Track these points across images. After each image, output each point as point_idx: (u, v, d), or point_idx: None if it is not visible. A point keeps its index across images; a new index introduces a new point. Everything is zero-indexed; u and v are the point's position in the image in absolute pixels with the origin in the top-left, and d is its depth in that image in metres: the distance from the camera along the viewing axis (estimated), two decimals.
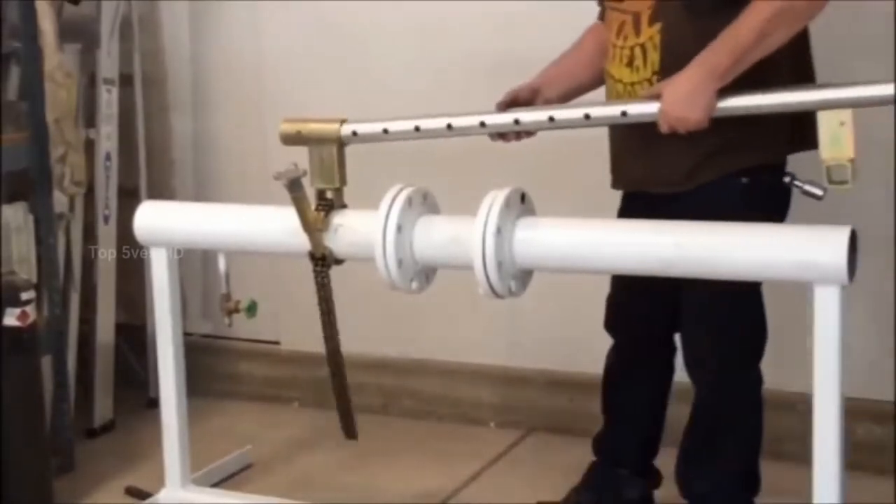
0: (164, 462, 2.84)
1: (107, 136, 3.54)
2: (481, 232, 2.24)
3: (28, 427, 2.80)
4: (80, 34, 3.50)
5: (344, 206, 2.50)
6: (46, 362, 3.06)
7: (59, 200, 3.26)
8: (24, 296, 2.75)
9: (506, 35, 3.26)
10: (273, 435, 3.46)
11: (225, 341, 3.86)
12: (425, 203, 2.43)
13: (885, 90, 2.12)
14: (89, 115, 3.54)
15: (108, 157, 3.55)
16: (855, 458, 2.37)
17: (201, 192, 3.84)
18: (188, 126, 3.88)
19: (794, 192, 2.32)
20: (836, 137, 2.09)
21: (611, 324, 2.72)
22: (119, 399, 3.60)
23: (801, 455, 2.25)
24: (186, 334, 2.94)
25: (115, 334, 3.61)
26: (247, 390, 3.84)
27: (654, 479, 2.79)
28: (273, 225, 2.58)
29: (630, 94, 2.38)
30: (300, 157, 2.49)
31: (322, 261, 2.48)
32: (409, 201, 2.37)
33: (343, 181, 2.50)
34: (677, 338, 2.65)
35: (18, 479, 2.74)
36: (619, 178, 2.54)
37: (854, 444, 2.65)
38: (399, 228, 2.33)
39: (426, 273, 2.44)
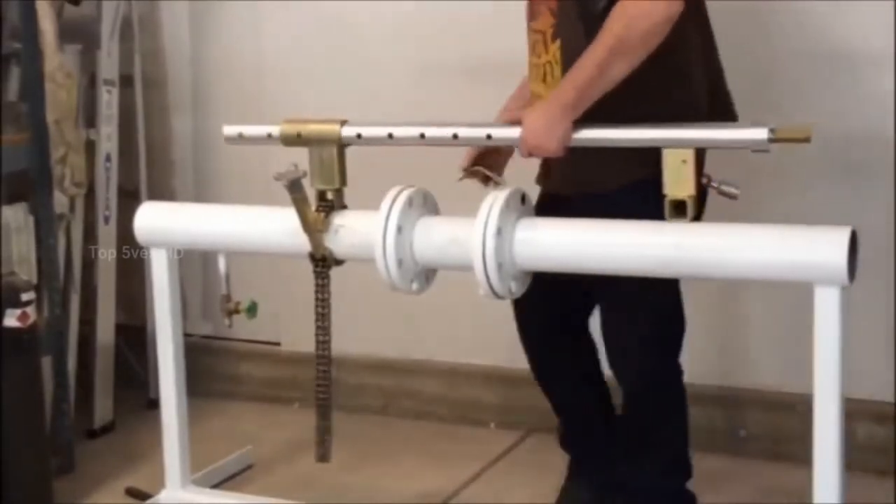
0: (164, 463, 2.84)
1: (107, 137, 3.54)
2: (481, 233, 2.24)
3: (28, 427, 2.80)
4: (80, 35, 3.49)
5: (344, 207, 2.50)
6: (46, 363, 3.06)
7: (60, 201, 3.26)
8: (25, 296, 2.75)
9: (507, 35, 3.25)
10: (273, 436, 3.46)
11: (225, 342, 3.86)
12: (426, 204, 2.43)
13: (722, 134, 2.23)
14: (90, 116, 3.54)
15: (108, 158, 3.55)
16: (855, 459, 2.37)
17: (201, 193, 3.84)
18: (188, 126, 3.89)
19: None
20: (678, 175, 2.18)
21: (521, 324, 2.74)
22: (119, 400, 3.60)
23: (802, 456, 2.25)
24: (187, 335, 2.93)
25: (115, 335, 3.61)
26: (247, 391, 3.84)
27: None
28: (273, 226, 2.58)
29: None
30: (301, 157, 2.49)
31: (322, 262, 2.48)
32: (410, 202, 2.37)
33: (343, 182, 2.50)
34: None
35: (18, 480, 2.74)
36: (559, 178, 2.51)
37: (854, 444, 2.65)
38: (399, 229, 2.33)
39: (426, 274, 2.44)
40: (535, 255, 2.30)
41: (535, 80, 2.49)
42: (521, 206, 2.33)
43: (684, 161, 2.17)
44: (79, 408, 3.37)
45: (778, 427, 3.10)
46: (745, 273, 2.21)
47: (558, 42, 2.41)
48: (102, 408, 3.54)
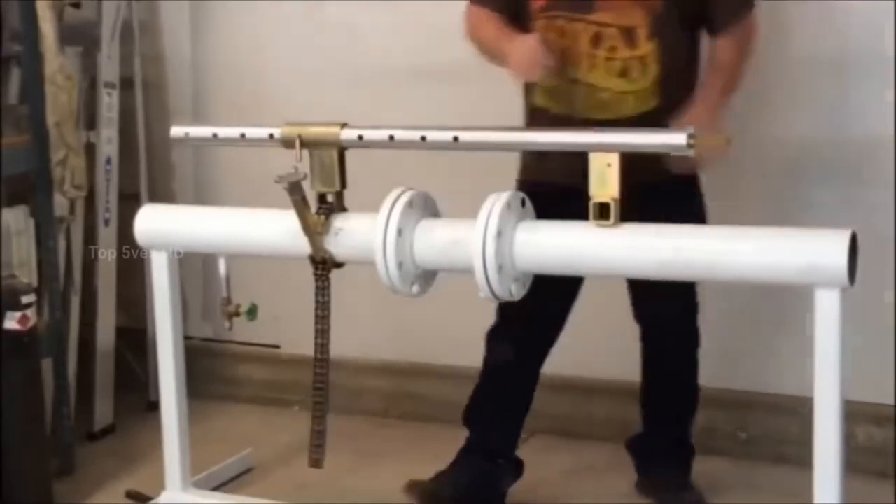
0: (164, 465, 2.84)
1: (107, 140, 3.54)
2: (482, 235, 2.24)
3: (28, 430, 2.80)
4: (80, 37, 3.50)
5: (344, 210, 2.50)
6: (47, 365, 3.06)
7: (60, 204, 3.26)
8: (25, 299, 2.75)
9: None
10: (273, 438, 3.46)
11: (225, 345, 3.86)
12: (426, 206, 2.43)
13: (646, 139, 2.27)
14: (90, 119, 3.54)
15: (108, 161, 3.55)
16: (855, 461, 2.37)
17: (202, 196, 3.84)
18: None
19: None
20: (602, 177, 2.23)
21: (504, 327, 2.87)
22: (119, 402, 3.60)
23: (802, 458, 2.25)
24: (187, 338, 2.93)
25: (115, 337, 3.61)
26: (247, 394, 3.84)
27: (521, 470, 2.92)
28: (274, 228, 2.58)
29: (620, 102, 2.55)
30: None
31: (322, 264, 2.48)
32: (410, 204, 2.37)
33: (343, 184, 2.50)
34: None
35: (18, 482, 2.74)
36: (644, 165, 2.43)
37: (854, 447, 2.65)
38: (399, 232, 2.34)
39: (426, 277, 2.44)
40: (536, 257, 2.31)
41: (596, 72, 2.56)
42: (522, 208, 2.34)
43: (609, 164, 2.21)
44: (79, 410, 3.37)
45: (778, 429, 3.10)
46: (745, 275, 2.21)
47: (656, 41, 2.52)
48: (103, 410, 3.54)
